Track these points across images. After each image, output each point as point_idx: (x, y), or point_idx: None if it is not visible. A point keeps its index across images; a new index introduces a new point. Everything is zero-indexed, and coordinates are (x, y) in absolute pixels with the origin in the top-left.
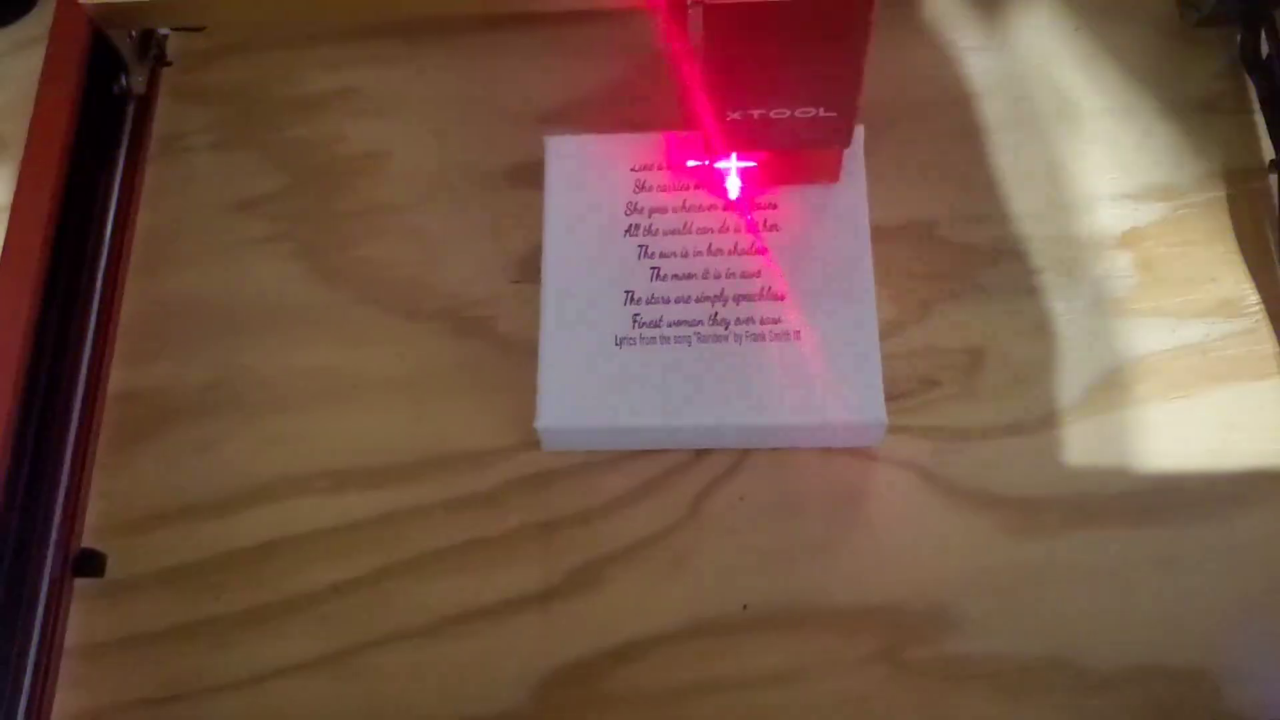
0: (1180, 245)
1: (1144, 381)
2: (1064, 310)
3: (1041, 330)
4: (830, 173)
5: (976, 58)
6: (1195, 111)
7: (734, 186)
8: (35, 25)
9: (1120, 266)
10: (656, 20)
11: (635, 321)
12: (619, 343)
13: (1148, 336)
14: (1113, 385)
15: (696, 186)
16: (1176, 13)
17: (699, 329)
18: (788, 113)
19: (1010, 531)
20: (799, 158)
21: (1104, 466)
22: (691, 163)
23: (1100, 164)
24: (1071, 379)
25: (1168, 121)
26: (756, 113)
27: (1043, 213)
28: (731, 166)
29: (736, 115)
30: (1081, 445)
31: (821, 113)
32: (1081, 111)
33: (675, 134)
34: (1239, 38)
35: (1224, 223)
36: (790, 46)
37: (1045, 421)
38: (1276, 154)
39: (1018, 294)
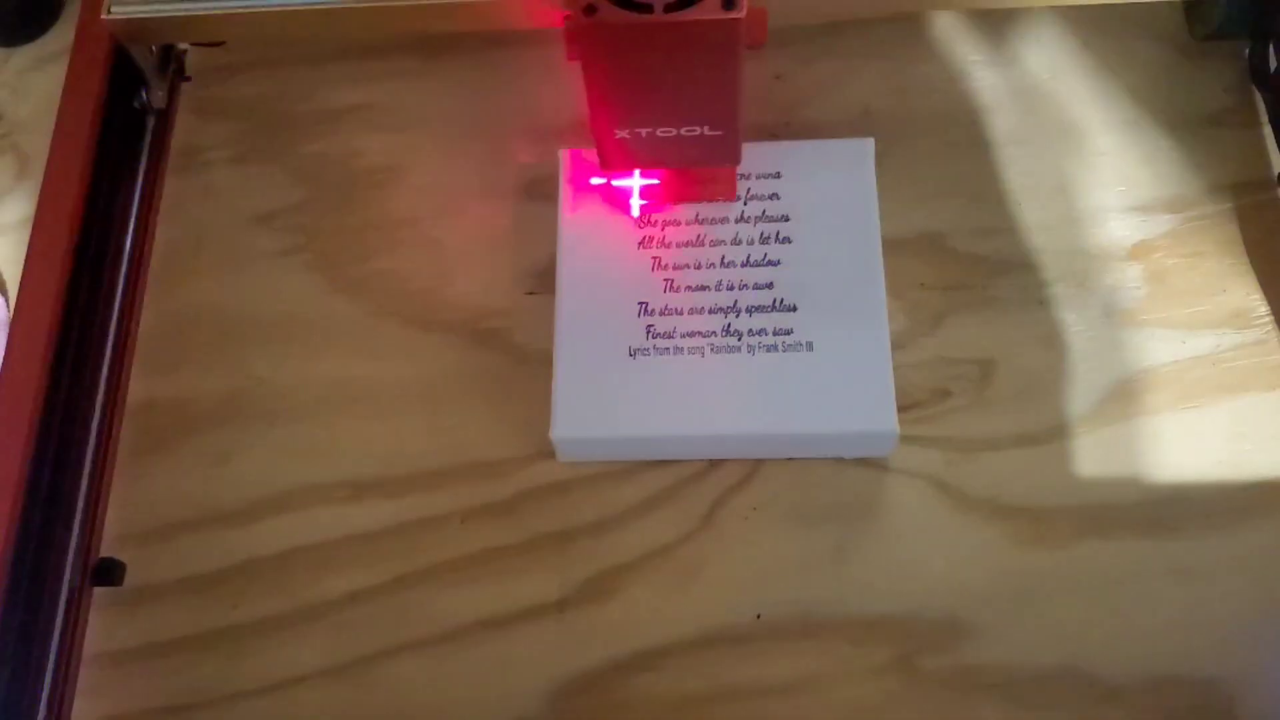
0: (1190, 257)
1: (1154, 392)
2: (1074, 321)
3: (1052, 341)
4: (727, 190)
5: (986, 72)
6: (1204, 125)
7: (636, 204)
8: (57, 40)
9: (1130, 278)
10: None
11: (649, 332)
12: (633, 354)
13: (1158, 348)
14: (1123, 396)
15: (709, 199)
16: (1185, 27)
17: (712, 340)
18: (674, 131)
19: (1022, 541)
20: (697, 175)
21: (1115, 477)
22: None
23: (1109, 177)
24: (1082, 390)
25: (1176, 135)
26: (644, 131)
27: (1053, 225)
28: (635, 184)
29: (624, 133)
30: (1093, 456)
31: (706, 131)
32: (1090, 125)
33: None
34: (1247, 52)
35: (1233, 234)
36: (665, 67)
37: (1056, 432)
38: None
39: (1028, 305)
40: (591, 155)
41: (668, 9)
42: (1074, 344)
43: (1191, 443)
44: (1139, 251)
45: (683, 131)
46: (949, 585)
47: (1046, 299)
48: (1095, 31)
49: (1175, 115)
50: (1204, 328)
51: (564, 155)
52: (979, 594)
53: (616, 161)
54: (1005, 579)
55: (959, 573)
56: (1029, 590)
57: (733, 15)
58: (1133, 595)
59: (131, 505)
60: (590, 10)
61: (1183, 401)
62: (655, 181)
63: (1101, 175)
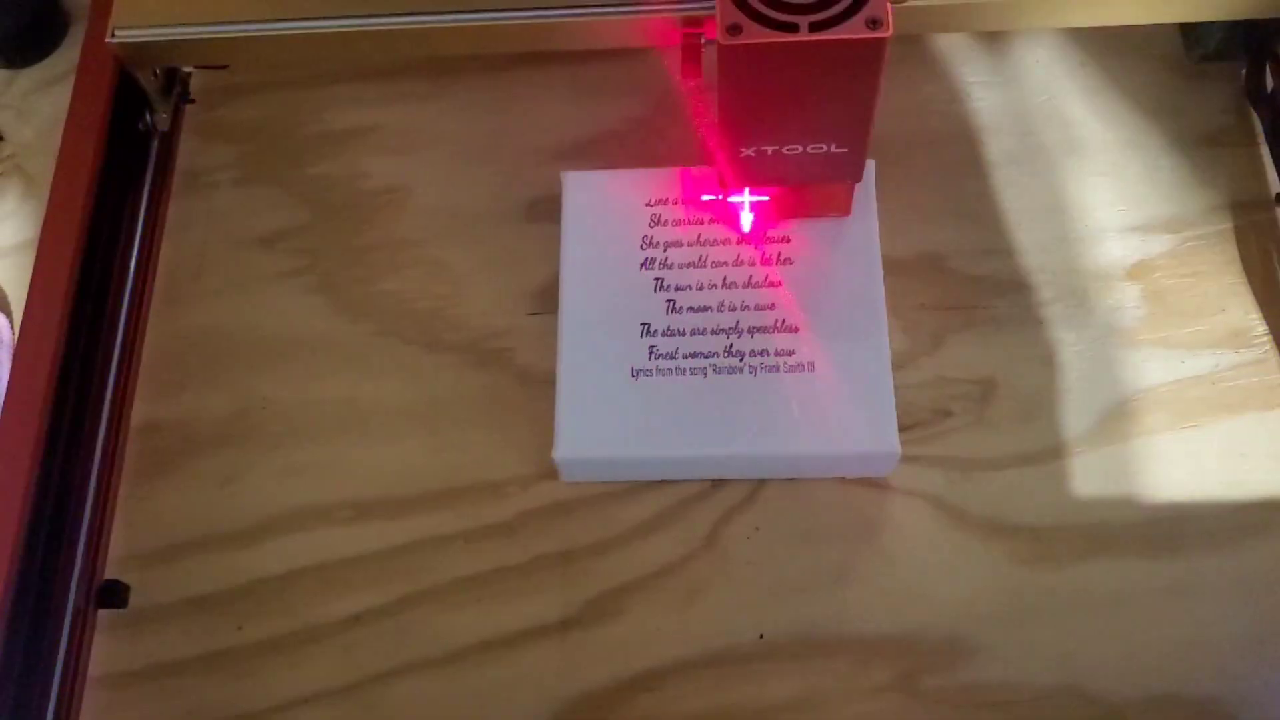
0: (1188, 277)
1: (1154, 412)
2: (1074, 341)
3: (1052, 361)
4: (841, 206)
5: (985, 93)
6: (1201, 145)
7: (747, 220)
8: (62, 63)
9: (1129, 298)
10: (671, 58)
11: (651, 353)
12: (635, 374)
13: (1157, 367)
14: (1123, 415)
15: (712, 220)
16: (1182, 48)
17: (714, 361)
18: (800, 149)
19: (1023, 561)
20: (811, 192)
21: (1116, 496)
22: (706, 197)
23: (1108, 197)
24: (1082, 409)
25: (1174, 155)
26: (769, 149)
27: (1051, 245)
28: (745, 200)
29: (750, 151)
30: (1093, 475)
31: (833, 148)
32: (1089, 145)
33: (690, 169)
34: (1244, 72)
35: (1231, 254)
36: (804, 86)
37: (1057, 451)
38: None
39: (1028, 325)
40: (700, 172)
41: (813, 28)
42: (1074, 363)
43: (1191, 462)
44: (1138, 271)
45: (809, 149)
46: (950, 605)
47: (1046, 319)
48: (1093, 53)
49: (1173, 136)
50: (1203, 347)
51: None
52: (980, 613)
53: (738, 179)
54: (1006, 598)
55: (960, 592)
56: (1030, 609)
57: (879, 35)
58: (1133, 614)
59: (136, 527)
60: (735, 29)
61: (1182, 421)
62: (766, 198)
63: (1100, 195)
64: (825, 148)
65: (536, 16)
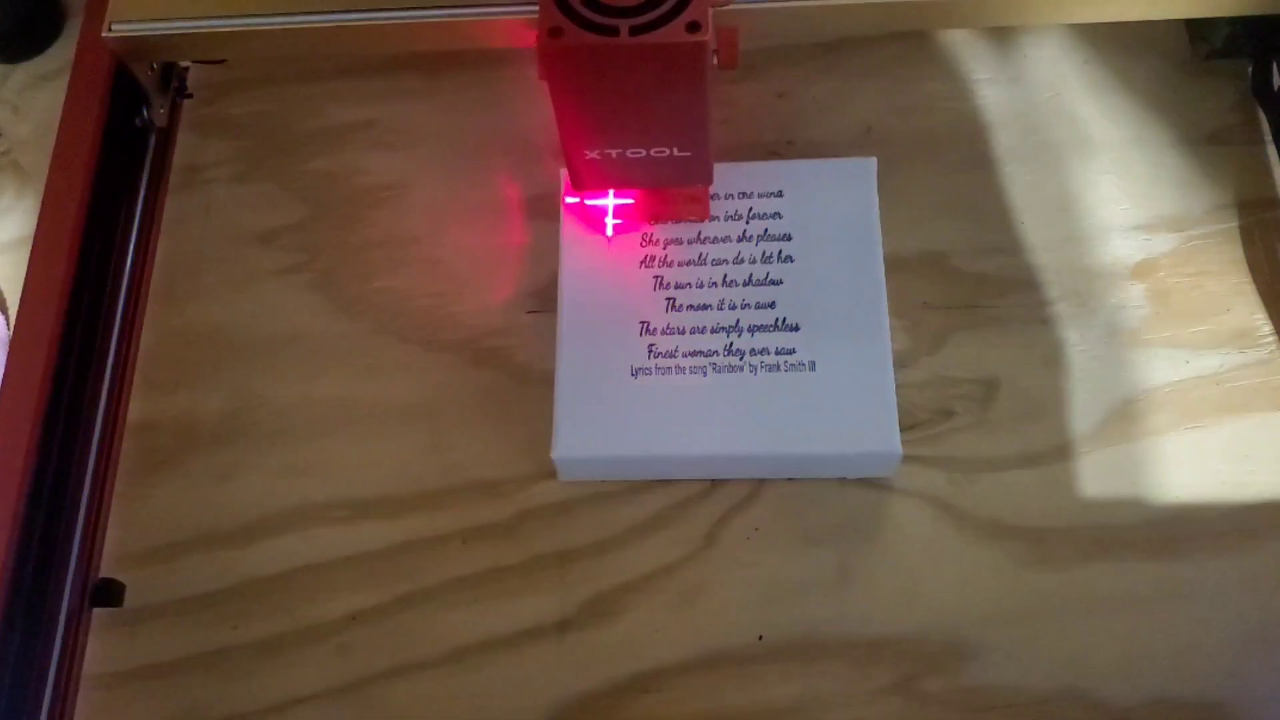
0: (1193, 276)
1: (1158, 412)
2: (1077, 341)
3: (1055, 361)
4: (700, 209)
5: (989, 90)
6: (1207, 143)
7: (610, 223)
8: (58, 58)
9: (1133, 297)
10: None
11: (651, 352)
12: (635, 373)
13: (1161, 367)
14: (1127, 416)
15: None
16: (1188, 46)
17: (714, 360)
18: (644, 152)
19: (1025, 562)
20: (671, 194)
21: (1119, 497)
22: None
23: (1112, 195)
24: (1085, 410)
25: (1179, 153)
26: (614, 152)
27: (1055, 244)
28: (609, 204)
29: (594, 154)
30: (1096, 476)
31: (675, 152)
32: (1093, 143)
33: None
34: (1250, 70)
35: (1236, 254)
36: (631, 89)
37: (1059, 452)
38: None
39: (1031, 325)
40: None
41: (633, 31)
42: (1077, 363)
43: (1195, 463)
44: (1142, 270)
45: (652, 152)
46: (951, 606)
47: (1049, 318)
48: (1098, 50)
49: (1178, 134)
50: (1207, 347)
51: (565, 175)
52: (981, 615)
53: (588, 181)
54: (1008, 600)
55: (961, 594)
56: (1032, 611)
57: (697, 38)
58: (1136, 617)
59: (131, 525)
60: (556, 32)
61: (1186, 421)
62: (630, 201)
63: (1104, 194)
64: (667, 151)
65: (532, 11)
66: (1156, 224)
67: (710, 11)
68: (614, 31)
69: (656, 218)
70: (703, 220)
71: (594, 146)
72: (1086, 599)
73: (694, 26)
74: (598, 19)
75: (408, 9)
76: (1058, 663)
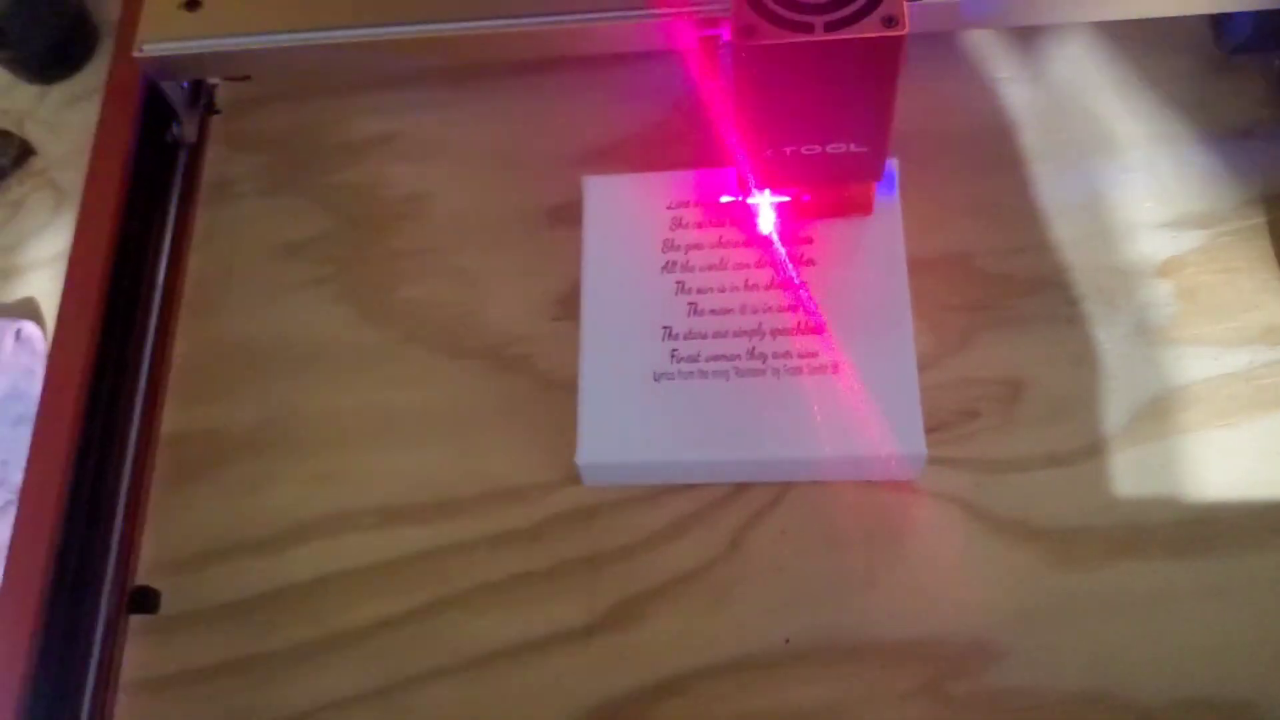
0: (1221, 272)
1: (1187, 411)
2: (1104, 340)
3: (1081, 360)
4: (863, 206)
5: (1011, 88)
6: (1232, 138)
7: (767, 221)
8: (91, 79)
9: (1161, 295)
10: (690, 60)
11: (673, 357)
12: (657, 378)
13: (1190, 365)
14: (1155, 415)
15: (731, 222)
16: (1211, 40)
17: (737, 363)
18: (819, 149)
19: (1052, 563)
20: (832, 192)
21: (1146, 497)
22: (725, 198)
23: (1137, 192)
24: (1112, 409)
25: (1205, 149)
26: (789, 149)
27: (1080, 242)
28: (765, 202)
29: (770, 152)
30: (1123, 476)
31: (852, 148)
32: (1117, 140)
33: (708, 170)
34: (1275, 64)
35: (1264, 249)
36: (821, 85)
37: (1086, 452)
38: None
39: (1057, 324)
40: (719, 174)
41: (828, 27)
42: (1104, 363)
43: (1224, 461)
44: (1169, 268)
45: (829, 148)
46: (978, 608)
47: (1075, 317)
48: (1122, 46)
49: (1204, 129)
50: (1237, 344)
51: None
52: (1009, 617)
53: (760, 181)
54: (1035, 601)
55: (988, 595)
56: (1059, 612)
57: (895, 33)
58: (1164, 617)
59: (166, 534)
60: (750, 30)
61: (1215, 420)
62: (787, 199)
63: (1130, 191)
64: (845, 147)
65: (553, 21)
66: (1183, 221)
67: (905, 5)
68: (809, 28)
69: (815, 215)
70: (866, 216)
71: (774, 144)
72: (1114, 599)
73: (890, 21)
74: (793, 16)
75: (445, 20)
76: (1085, 664)
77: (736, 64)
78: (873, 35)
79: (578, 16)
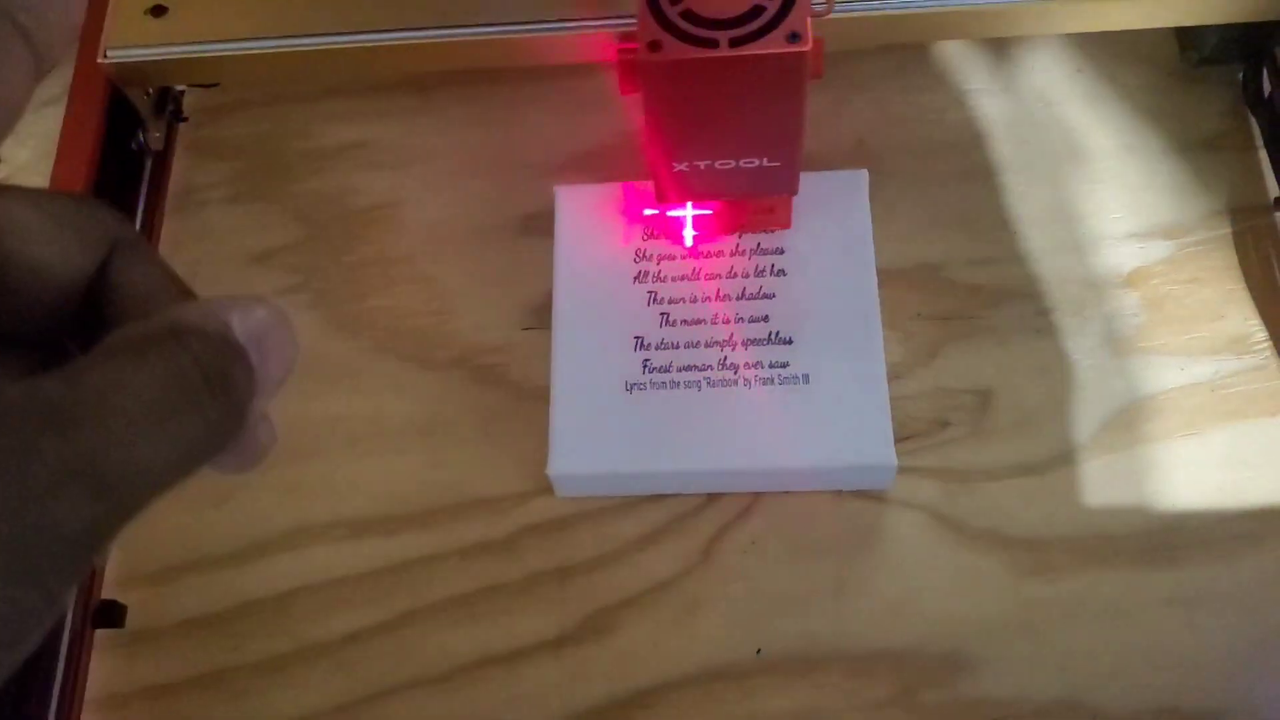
0: (1187, 283)
1: (1154, 420)
2: (1072, 350)
3: (1050, 370)
4: (782, 219)
5: (981, 100)
6: (1199, 150)
7: (689, 234)
8: (55, 85)
9: (1128, 305)
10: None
11: (645, 367)
12: (629, 388)
13: (1157, 375)
14: (1123, 424)
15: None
16: (1178, 53)
17: (708, 374)
18: (732, 163)
19: (1022, 572)
20: (752, 205)
21: (1116, 506)
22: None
23: (1105, 203)
24: (1081, 418)
25: (1172, 160)
26: (702, 164)
27: (1049, 253)
28: (687, 215)
29: (683, 166)
30: (1093, 485)
31: (765, 162)
32: (1086, 152)
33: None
34: (1241, 76)
35: (1230, 260)
36: (729, 101)
37: (1056, 461)
38: None
39: (1026, 334)
40: (645, 186)
41: (733, 43)
42: (1072, 372)
43: (1192, 470)
44: (1136, 278)
45: (741, 163)
46: (949, 618)
47: (1044, 327)
48: (1089, 59)
49: (1170, 141)
50: (1202, 354)
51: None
52: (979, 626)
53: (674, 194)
54: (1006, 611)
55: (959, 605)
56: (1029, 622)
57: (798, 48)
58: (1134, 626)
59: (132, 547)
60: (655, 45)
61: (1182, 429)
62: (708, 212)
63: (1097, 202)
64: (757, 162)
65: (502, 32)
66: (1150, 232)
67: (809, 21)
68: (714, 44)
69: (737, 228)
70: (785, 229)
71: (684, 159)
72: (1084, 608)
73: (795, 36)
74: (697, 31)
75: (413, 29)
76: (1055, 673)
77: (643, 79)
78: (777, 50)
79: (498, 28)
